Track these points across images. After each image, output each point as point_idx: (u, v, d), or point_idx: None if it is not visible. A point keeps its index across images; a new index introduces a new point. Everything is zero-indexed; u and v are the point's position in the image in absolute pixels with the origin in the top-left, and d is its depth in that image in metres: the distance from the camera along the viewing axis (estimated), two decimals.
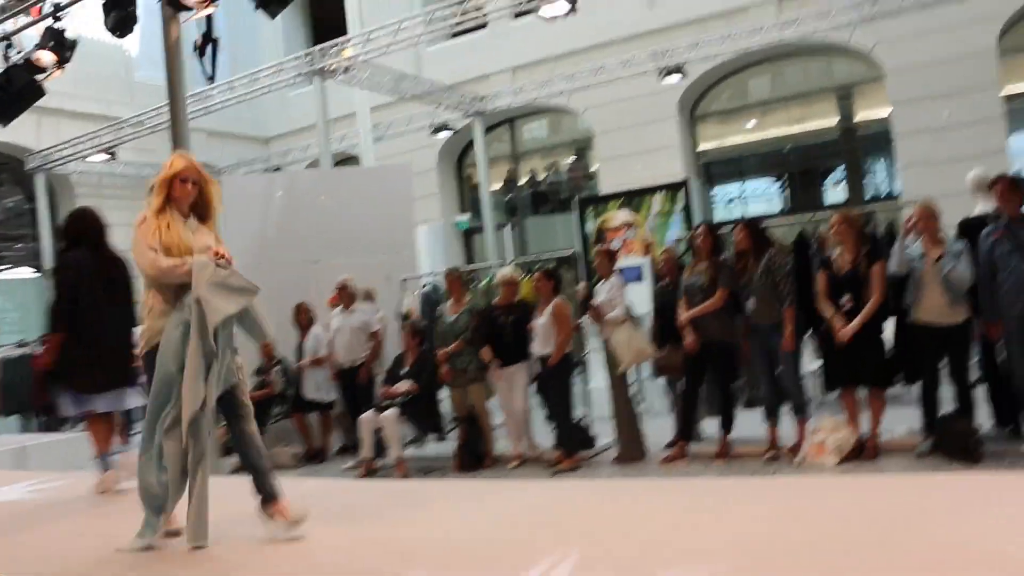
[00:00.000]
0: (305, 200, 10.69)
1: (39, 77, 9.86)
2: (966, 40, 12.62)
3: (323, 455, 9.27)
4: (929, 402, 6.39)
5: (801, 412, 6.82)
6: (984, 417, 6.47)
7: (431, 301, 10.01)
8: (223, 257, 4.05)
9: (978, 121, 12.61)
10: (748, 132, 16.33)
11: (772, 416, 6.94)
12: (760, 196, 16.46)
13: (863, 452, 6.46)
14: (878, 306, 6.36)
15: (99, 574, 3.84)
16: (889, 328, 6.61)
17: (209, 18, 8.34)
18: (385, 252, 10.32)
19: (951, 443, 6.14)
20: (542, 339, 7.67)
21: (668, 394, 8.27)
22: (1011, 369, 6.23)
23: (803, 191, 16.22)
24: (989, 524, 3.40)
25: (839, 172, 15.94)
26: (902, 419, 6.94)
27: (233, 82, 13.60)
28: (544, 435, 8.01)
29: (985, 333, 6.38)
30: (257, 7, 8.50)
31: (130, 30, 8.69)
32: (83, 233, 5.67)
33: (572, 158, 18.00)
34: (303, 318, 9.42)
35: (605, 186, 15.84)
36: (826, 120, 15.58)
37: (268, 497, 4.03)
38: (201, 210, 4.23)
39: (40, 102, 10.38)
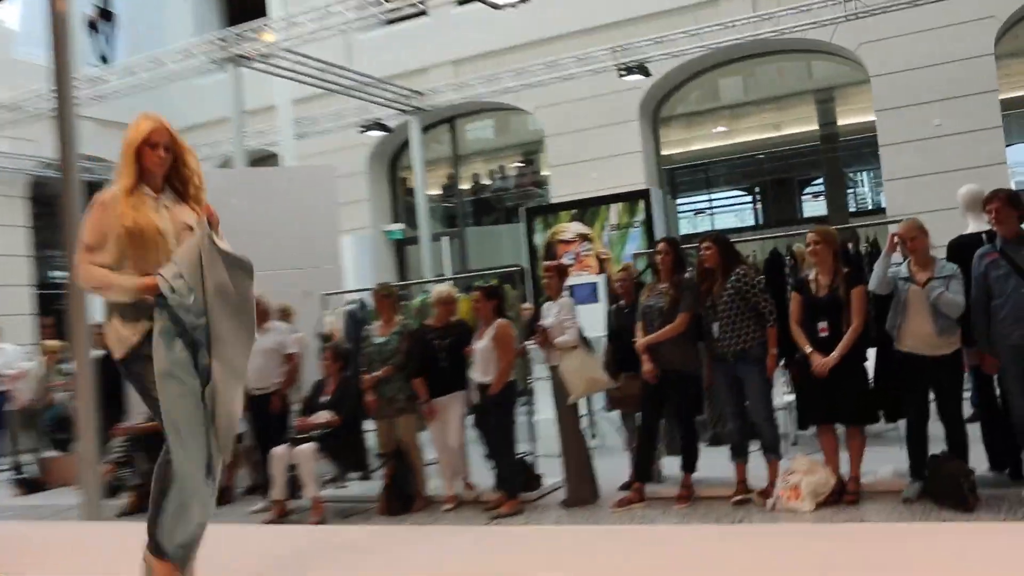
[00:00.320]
0: (214, 203, 10.47)
1: None
2: (960, 41, 12.93)
3: (227, 495, 9.04)
4: (916, 441, 6.42)
5: (773, 451, 6.82)
6: (978, 458, 6.50)
7: (356, 320, 9.87)
8: (211, 215, 3.87)
9: (972, 130, 12.92)
10: (717, 137, 16.54)
11: (740, 455, 6.94)
12: (730, 208, 16.67)
13: (842, 496, 6.47)
14: (859, 334, 6.41)
15: None
16: (871, 358, 6.67)
17: None
18: (305, 264, 10.21)
19: (941, 487, 6.17)
20: (482, 365, 7.60)
21: (623, 429, 8.24)
22: (1007, 405, 6.29)
23: (778, 204, 16.46)
24: None
25: (818, 183, 16.19)
26: (886, 460, 6.98)
27: (133, 65, 13.39)
28: (482, 474, 7.93)
29: (978, 364, 6.45)
30: None
31: None
32: None
33: (520, 163, 18.04)
34: None
35: (556, 194, 15.91)
36: (804, 126, 15.84)
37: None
38: (179, 184, 3.98)
39: None
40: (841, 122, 15.62)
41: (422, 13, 15.21)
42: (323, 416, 8.10)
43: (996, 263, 6.14)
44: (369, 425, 8.44)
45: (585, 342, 7.62)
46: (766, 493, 6.72)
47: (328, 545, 5.07)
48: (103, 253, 3.73)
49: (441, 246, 16.48)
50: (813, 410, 6.67)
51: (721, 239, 7.10)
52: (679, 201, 16.85)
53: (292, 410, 8.68)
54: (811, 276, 6.65)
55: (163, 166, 3.90)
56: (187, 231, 3.85)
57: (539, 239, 14.91)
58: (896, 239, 6.41)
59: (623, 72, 13.93)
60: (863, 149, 15.12)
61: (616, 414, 8.37)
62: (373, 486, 8.30)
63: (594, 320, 8.59)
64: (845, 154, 15.76)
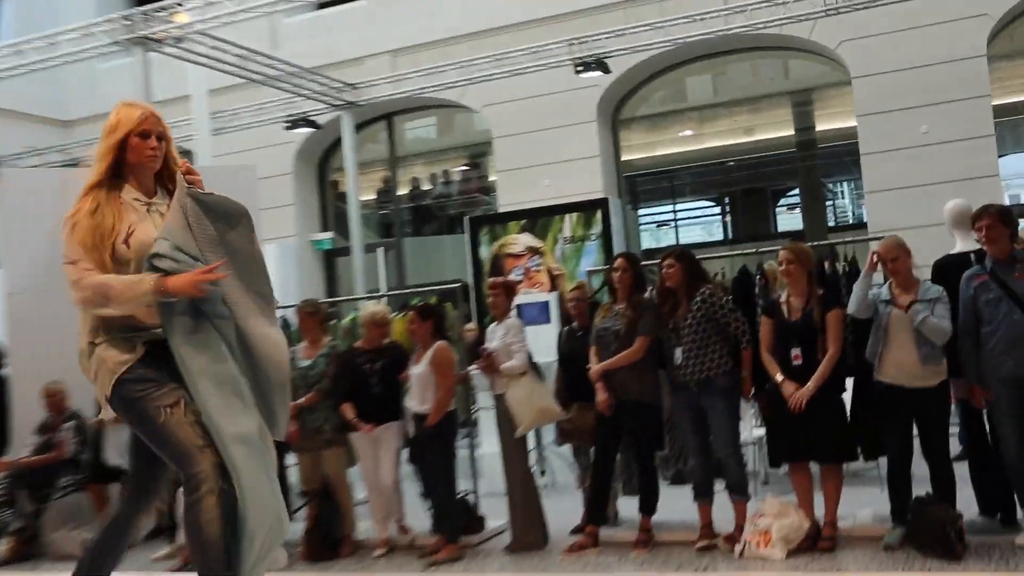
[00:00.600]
0: None
1: None
2: (950, 41, 13.13)
3: None
4: (898, 481, 6.48)
5: (740, 491, 6.86)
6: (967, 501, 6.57)
7: None
8: (191, 172, 3.76)
9: (963, 139, 13.09)
10: (684, 142, 16.67)
11: (704, 495, 6.96)
12: (696, 221, 16.82)
13: (817, 542, 6.52)
14: (836, 362, 6.47)
15: None
16: (848, 389, 6.73)
17: None
18: None
19: (926, 533, 6.23)
20: (419, 393, 7.57)
21: (576, 465, 8.25)
22: (998, 443, 6.35)
23: (749, 216, 16.64)
24: None
25: (793, 195, 16.38)
26: (865, 502, 7.05)
27: (21, 45, 13.15)
28: (418, 516, 7.89)
29: (966, 398, 6.53)
30: None
31: None
32: None
33: (465, 166, 18.04)
34: None
35: (505, 202, 15.91)
36: (779, 131, 16.01)
37: None
38: (169, 184, 3.83)
39: None
40: (820, 127, 15.80)
41: None
42: None
43: (986, 286, 6.20)
44: (291, 459, 8.37)
45: (535, 368, 7.61)
46: (733, 538, 6.75)
47: None
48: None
49: (375, 258, 16.39)
50: (785, 446, 6.71)
51: (686, 255, 7.13)
52: (641, 212, 16.95)
53: None
54: (783, 298, 6.71)
55: (158, 160, 3.78)
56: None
57: (485, 252, 14.91)
58: (875, 258, 6.47)
59: (580, 68, 13.95)
60: (843, 157, 15.32)
61: (567, 449, 8.37)
62: (295, 528, 8.19)
63: (545, 343, 8.59)
64: (824, 162, 15.95)
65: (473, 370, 8.19)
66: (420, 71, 15.33)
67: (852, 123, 14.31)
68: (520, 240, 14.73)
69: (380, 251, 16.56)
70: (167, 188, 3.82)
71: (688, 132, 16.71)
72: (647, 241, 16.66)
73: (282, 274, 15.31)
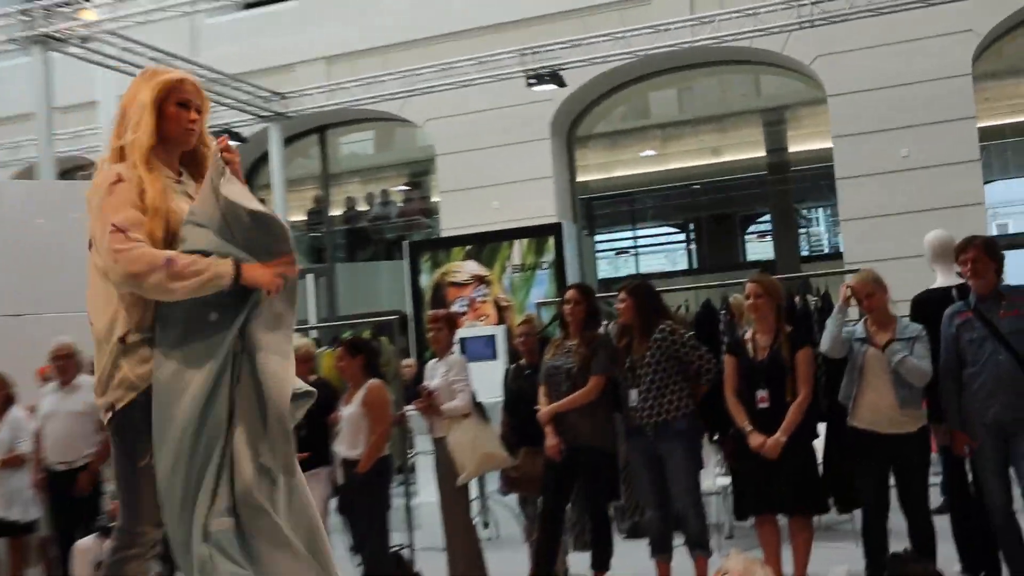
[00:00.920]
0: (10, 223, 10.33)
1: None
2: (933, 58, 13.33)
3: None
4: (874, 536, 6.53)
5: (701, 546, 6.86)
6: (948, 557, 6.62)
7: None
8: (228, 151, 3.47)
9: (946, 163, 13.29)
10: (646, 163, 16.78)
11: (662, 550, 6.96)
12: (659, 249, 16.92)
13: None
14: (807, 406, 6.49)
15: None
16: (820, 435, 6.78)
17: None
18: None
19: None
20: (349, 436, 7.52)
21: (522, 516, 8.24)
22: (982, 494, 6.38)
23: (716, 244, 16.76)
24: None
25: (764, 221, 16.51)
26: (838, 557, 7.11)
27: None
28: (348, 570, 7.83)
29: (948, 445, 6.57)
30: None
31: None
32: None
33: (405, 186, 18.05)
34: None
35: (448, 226, 15.95)
36: (749, 151, 16.15)
37: None
38: (193, 168, 3.64)
39: None
40: (793, 148, 15.95)
41: None
42: None
43: (969, 324, 6.25)
44: None
45: (479, 409, 7.61)
46: None
47: None
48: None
49: (304, 286, 16.33)
50: (751, 496, 6.74)
51: (640, 290, 7.09)
52: (597, 238, 17.02)
53: (104, 491, 8.48)
54: (748, 335, 6.75)
55: (194, 136, 3.59)
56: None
57: (426, 280, 14.90)
58: (849, 293, 6.54)
59: (532, 80, 14.02)
60: (818, 181, 15.49)
61: (514, 498, 8.35)
62: None
63: (490, 381, 8.57)
64: (797, 187, 16.10)
65: (411, 411, 8.17)
66: (357, 80, 15.35)
67: (828, 144, 14.47)
68: (465, 268, 14.74)
69: (310, 278, 16.49)
70: (191, 172, 3.65)
71: (650, 152, 16.82)
72: (604, 270, 16.74)
73: None
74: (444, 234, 15.84)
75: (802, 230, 16.70)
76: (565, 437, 7.04)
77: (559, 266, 14.29)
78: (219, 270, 3.34)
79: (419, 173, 17.74)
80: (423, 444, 8.38)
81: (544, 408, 7.14)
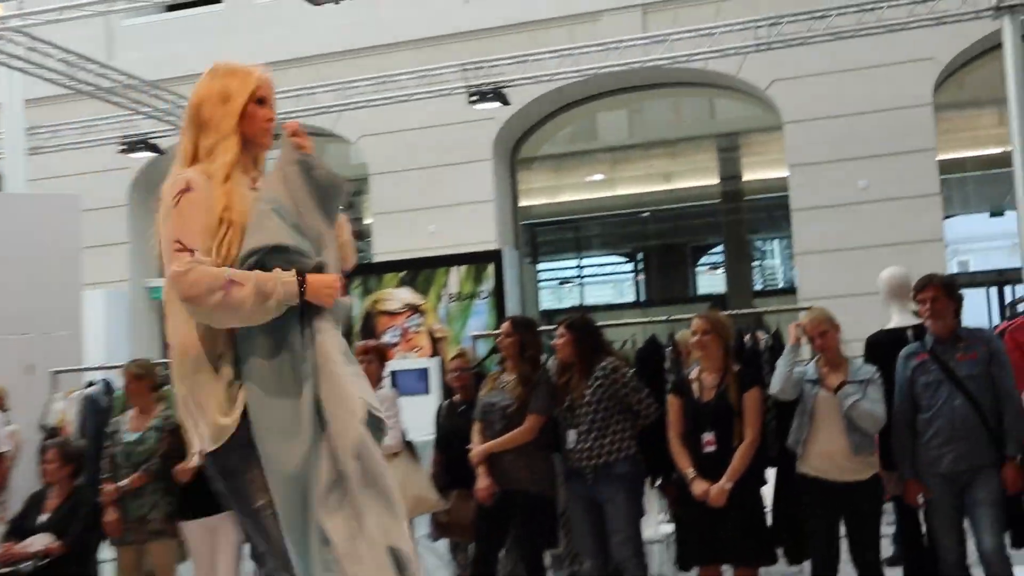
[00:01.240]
0: None
1: None
2: (893, 86, 13.54)
3: None
4: None
5: None
6: None
7: (98, 409, 9.63)
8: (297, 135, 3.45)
9: (904, 196, 13.48)
10: (593, 188, 16.84)
11: None
12: (605, 279, 16.95)
13: None
14: (754, 451, 6.52)
15: None
16: (769, 481, 6.84)
17: None
18: (31, 328, 10.05)
19: None
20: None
21: (453, 564, 8.24)
22: (936, 545, 6.48)
23: (665, 276, 16.82)
24: None
25: (717, 252, 16.60)
26: None
27: None
28: None
29: (900, 494, 6.67)
30: None
31: None
32: None
33: None
34: None
35: (381, 250, 15.92)
36: (702, 179, 16.27)
37: None
38: (252, 168, 3.59)
39: None
40: (747, 176, 16.09)
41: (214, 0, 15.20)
42: (40, 542, 7.84)
43: (925, 367, 6.36)
44: (108, 553, 8.20)
45: (409, 448, 7.61)
46: None
47: None
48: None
49: None
50: (695, 546, 6.73)
51: (579, 325, 7.10)
52: (540, 267, 17.02)
53: None
54: (694, 374, 6.79)
55: (271, 135, 3.57)
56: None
57: (355, 308, 14.87)
58: (799, 332, 6.62)
59: (474, 97, 14.00)
60: (773, 212, 15.63)
61: (444, 544, 8.34)
62: None
63: (423, 418, 8.55)
64: (751, 216, 16.22)
65: None
66: (286, 92, 15.27)
67: (783, 173, 14.60)
68: (397, 295, 14.74)
69: None
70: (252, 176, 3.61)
71: (598, 176, 16.88)
72: (547, 300, 16.77)
73: (107, 328, 15.08)
74: (376, 259, 15.80)
75: (756, 263, 16.82)
76: (499, 479, 7.03)
77: (499, 296, 14.30)
78: (286, 290, 3.29)
79: (351, 193, 17.67)
80: None
81: (477, 447, 7.12)
